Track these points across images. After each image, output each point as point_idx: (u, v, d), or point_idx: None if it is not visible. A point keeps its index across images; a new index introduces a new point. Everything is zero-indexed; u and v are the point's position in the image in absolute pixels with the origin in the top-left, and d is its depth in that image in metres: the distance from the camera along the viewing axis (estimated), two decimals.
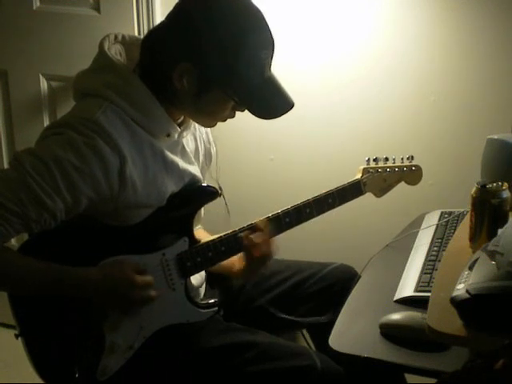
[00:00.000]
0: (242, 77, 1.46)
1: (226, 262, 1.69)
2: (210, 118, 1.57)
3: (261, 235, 1.63)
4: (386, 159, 1.82)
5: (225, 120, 1.57)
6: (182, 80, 1.47)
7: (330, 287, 1.81)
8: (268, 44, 1.49)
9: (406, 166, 1.84)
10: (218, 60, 1.45)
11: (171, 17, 1.50)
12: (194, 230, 1.70)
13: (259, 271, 1.71)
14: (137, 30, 2.31)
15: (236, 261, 1.70)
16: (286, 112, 1.53)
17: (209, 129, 1.73)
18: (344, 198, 1.74)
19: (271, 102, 1.52)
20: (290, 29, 2.28)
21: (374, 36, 2.23)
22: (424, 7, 2.16)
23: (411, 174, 1.86)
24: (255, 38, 1.46)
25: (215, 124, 1.59)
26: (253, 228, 1.63)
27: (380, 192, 1.83)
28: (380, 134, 2.31)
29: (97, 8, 2.36)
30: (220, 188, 1.66)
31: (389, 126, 2.30)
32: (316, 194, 1.71)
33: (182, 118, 1.60)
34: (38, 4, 2.42)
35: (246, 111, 1.52)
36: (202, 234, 1.74)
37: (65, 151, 1.41)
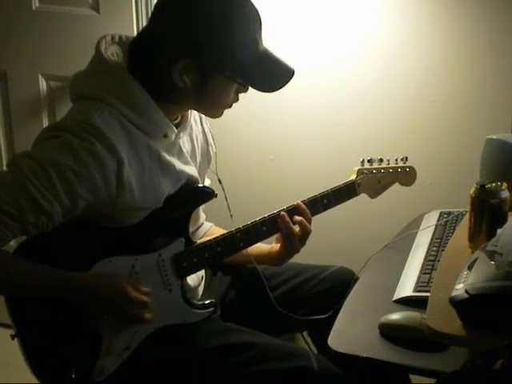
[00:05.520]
0: (238, 56, 1.47)
1: (259, 251, 1.73)
2: (215, 106, 1.56)
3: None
4: (381, 160, 1.81)
5: (230, 106, 1.56)
6: (183, 77, 1.46)
7: (330, 290, 1.80)
8: (255, 18, 1.49)
9: (400, 167, 1.84)
10: (214, 47, 1.45)
11: (158, 17, 1.50)
12: (207, 228, 1.71)
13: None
14: (136, 30, 2.31)
15: (268, 247, 1.73)
16: (289, 80, 1.51)
17: (208, 130, 1.73)
18: (339, 198, 1.74)
19: (272, 73, 1.52)
20: (289, 30, 2.28)
21: (374, 36, 2.23)
22: (423, 7, 2.16)
23: (405, 175, 1.85)
24: (242, 15, 1.46)
25: (222, 113, 1.58)
26: (250, 229, 1.63)
27: (374, 193, 1.83)
28: (380, 134, 2.30)
29: (96, 8, 2.35)
30: (222, 189, 1.68)
31: (388, 126, 2.30)
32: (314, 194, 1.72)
33: (178, 118, 1.59)
34: (37, 4, 2.42)
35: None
36: (216, 231, 1.74)
37: (63, 155, 1.41)
